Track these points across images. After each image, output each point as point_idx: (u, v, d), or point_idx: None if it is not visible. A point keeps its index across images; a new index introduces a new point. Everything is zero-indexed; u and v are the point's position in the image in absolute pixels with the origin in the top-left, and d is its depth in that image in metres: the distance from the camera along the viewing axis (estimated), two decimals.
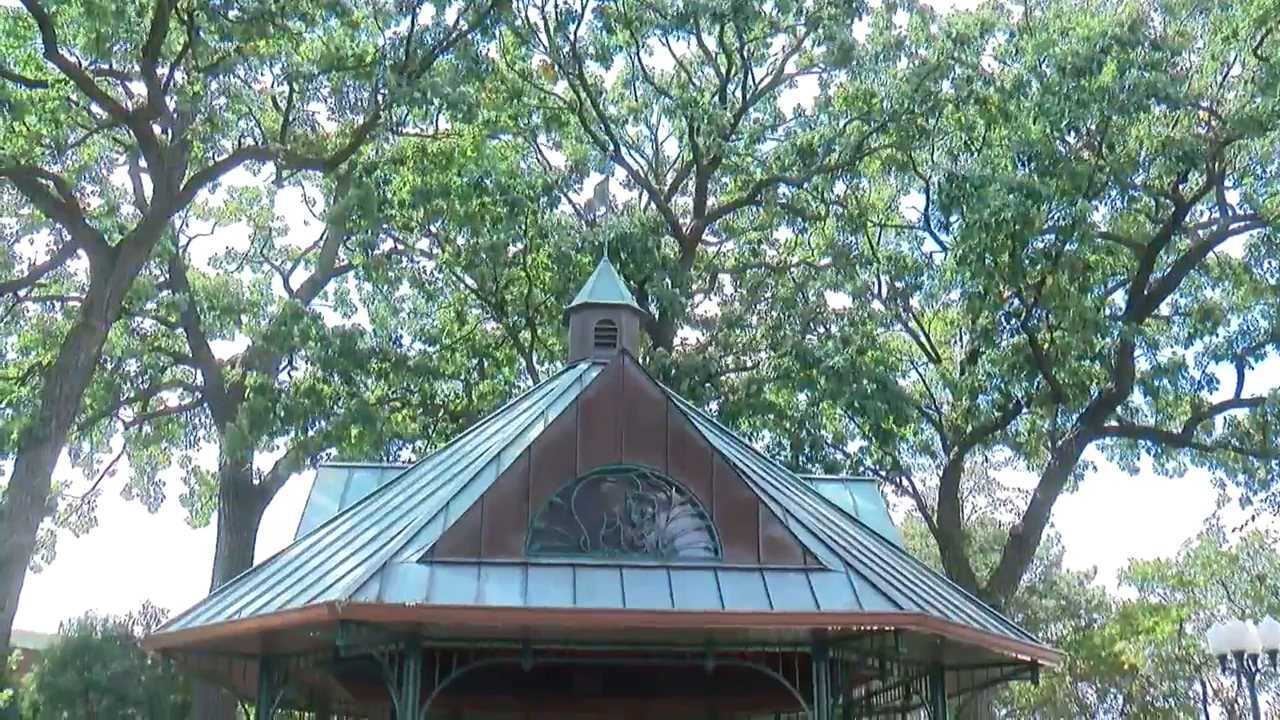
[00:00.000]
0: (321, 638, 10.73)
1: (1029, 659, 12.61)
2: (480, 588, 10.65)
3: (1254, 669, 25.33)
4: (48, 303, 29.19)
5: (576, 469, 11.43)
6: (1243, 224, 25.58)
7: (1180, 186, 24.55)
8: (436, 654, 11.14)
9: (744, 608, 10.48)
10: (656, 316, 22.47)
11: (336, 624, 10.28)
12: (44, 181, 22.77)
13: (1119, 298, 26.41)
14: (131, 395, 30.36)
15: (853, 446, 25.00)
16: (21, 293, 28.16)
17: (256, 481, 26.64)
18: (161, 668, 25.27)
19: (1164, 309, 27.03)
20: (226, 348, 30.20)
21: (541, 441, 11.71)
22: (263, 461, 27.49)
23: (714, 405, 20.09)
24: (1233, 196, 25.33)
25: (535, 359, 23.80)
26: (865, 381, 19.40)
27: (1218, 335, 25.41)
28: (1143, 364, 25.90)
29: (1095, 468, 32.42)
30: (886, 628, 10.66)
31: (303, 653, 12.17)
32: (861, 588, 10.90)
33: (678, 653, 11.37)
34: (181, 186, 22.98)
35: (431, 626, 10.65)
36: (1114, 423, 26.06)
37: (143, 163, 24.62)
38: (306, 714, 16.82)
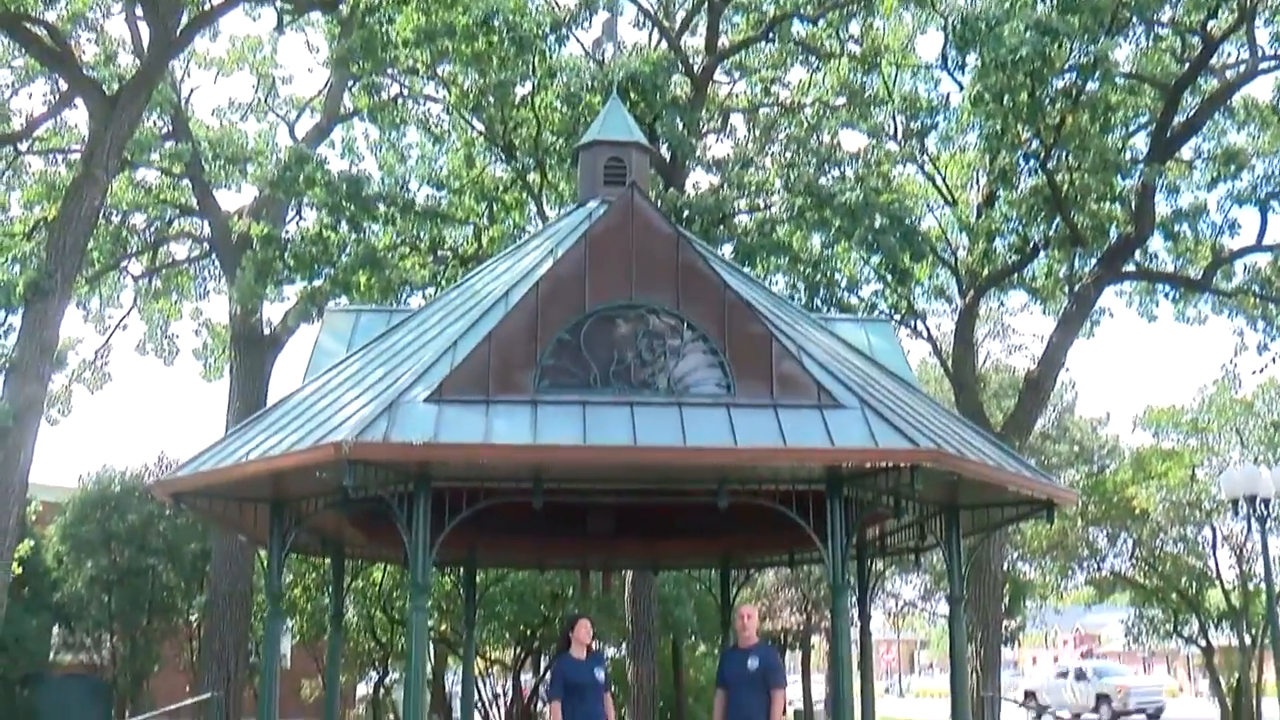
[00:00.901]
0: (329, 479, 10.61)
1: (1045, 498, 12.48)
2: (488, 425, 10.48)
3: (1266, 513, 25.42)
4: (50, 156, 28.74)
5: (585, 305, 11.16)
6: (1272, 64, 24.76)
7: (1209, 24, 23.70)
8: (446, 494, 11.03)
9: (757, 444, 10.29)
10: (668, 158, 21.99)
11: (343, 464, 10.13)
12: (37, 30, 22.13)
13: (1141, 140, 25.77)
14: (138, 248, 30.12)
15: (867, 291, 24.70)
16: (22, 146, 27.70)
17: (267, 331, 26.51)
18: (181, 517, 25.59)
19: (1186, 152, 26.37)
20: (233, 200, 29.86)
21: (549, 278, 11.42)
22: (273, 312, 27.39)
23: (727, 248, 19.72)
24: (1263, 35, 24.42)
25: (545, 202, 23.40)
26: (880, 217, 18.98)
27: (1241, 179, 24.86)
28: (1163, 208, 25.38)
29: (1111, 314, 32.05)
30: (902, 464, 10.48)
31: (312, 495, 12.10)
32: (876, 424, 10.69)
33: (690, 491, 11.23)
34: (179, 31, 22.31)
35: (439, 465, 10.51)
36: (1132, 267, 25.68)
37: (139, 9, 23.91)
38: (321, 559, 16.95)
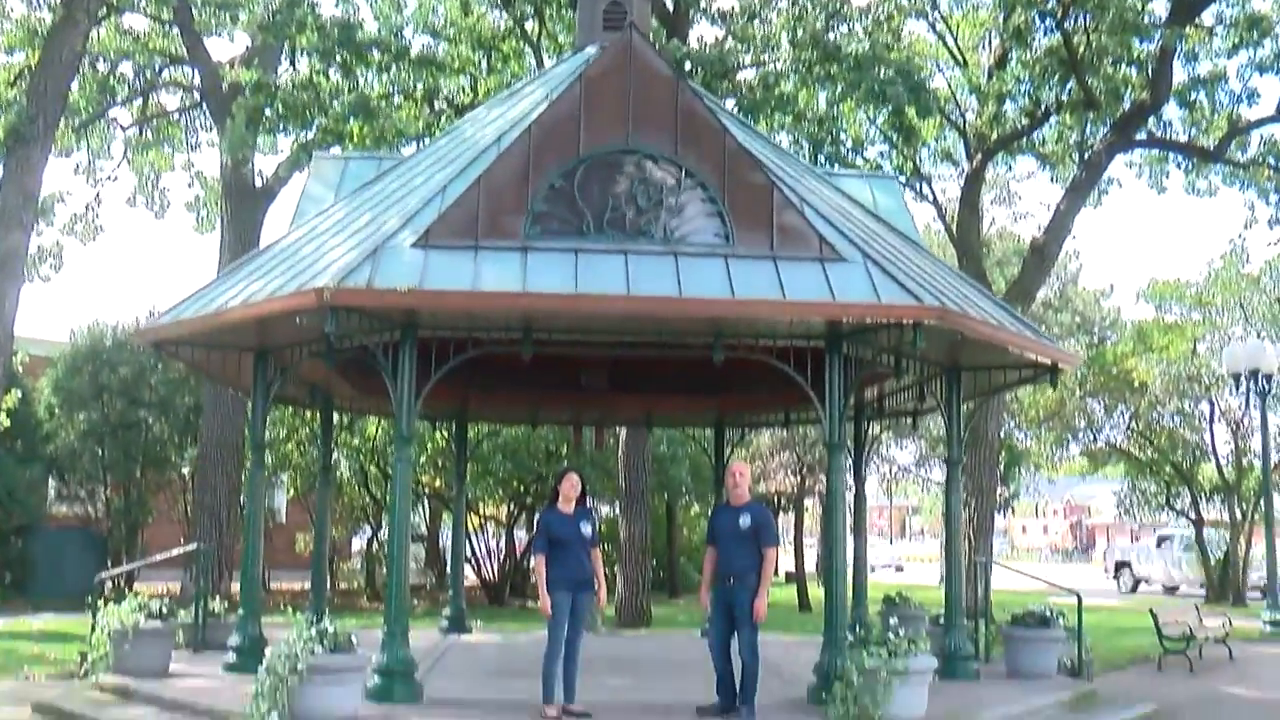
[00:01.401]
0: (313, 327, 10.28)
1: (1049, 361, 12.19)
2: (477, 271, 10.11)
3: (1267, 389, 25.24)
4: (32, 1, 27.82)
5: (580, 150, 10.72)
6: None
7: None
8: (433, 344, 10.72)
9: (756, 296, 9.94)
10: (671, 8, 21.25)
11: (325, 311, 9.81)
12: None
13: (1161, 3, 24.92)
14: (127, 97, 29.35)
15: (873, 152, 24.08)
16: None
17: (259, 183, 25.95)
18: (172, 370, 25.37)
19: (1208, 17, 25.47)
20: (225, 50, 28.98)
21: (543, 121, 10.95)
22: (265, 165, 26.79)
23: (730, 103, 19.10)
24: None
25: (544, 52, 22.68)
26: (887, 70, 18.30)
27: (1263, 47, 24.03)
28: (1180, 75, 24.56)
29: (1120, 184, 31.36)
30: (904, 321, 10.14)
31: (296, 344, 11.81)
32: (880, 279, 10.33)
33: (685, 344, 10.91)
34: None
35: (426, 312, 10.17)
36: (1145, 135, 25.01)
37: None
38: (312, 411, 16.72)
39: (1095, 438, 35.87)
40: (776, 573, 10.03)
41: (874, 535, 71.22)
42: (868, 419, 16.12)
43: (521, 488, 27.05)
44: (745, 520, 9.80)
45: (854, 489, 14.19)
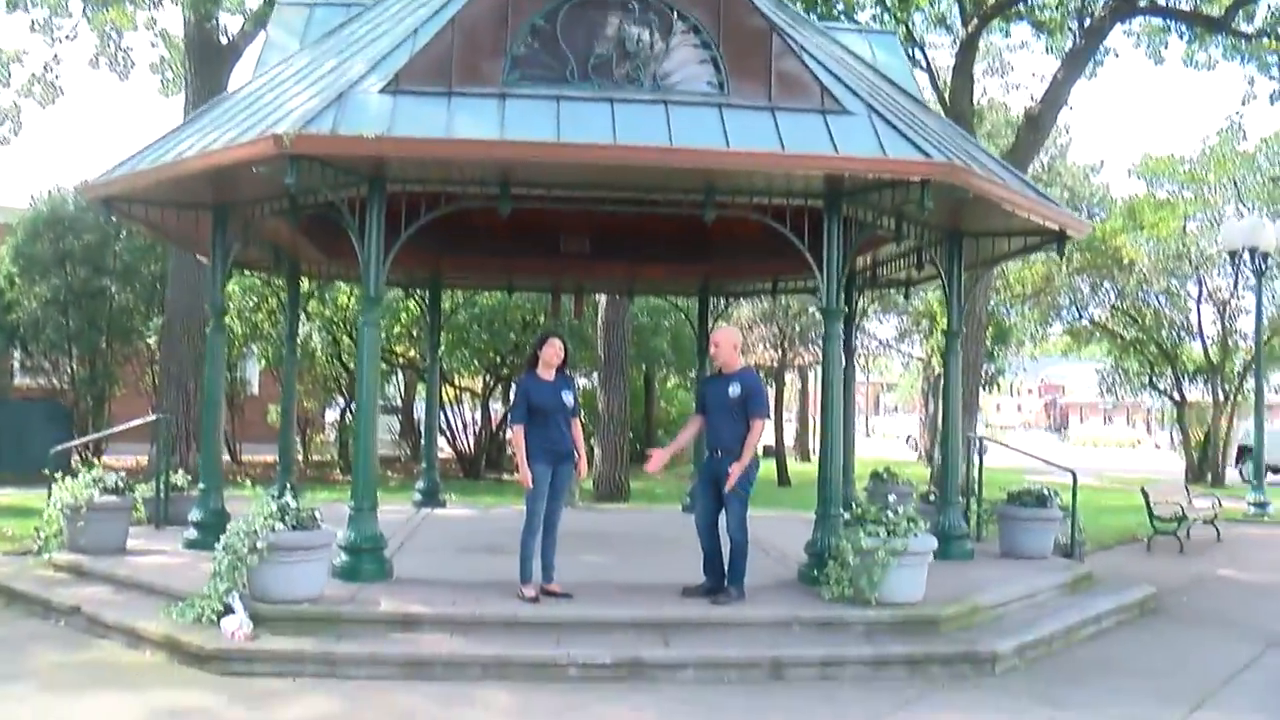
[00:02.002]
0: (273, 181, 9.43)
1: (1057, 227, 11.48)
2: (450, 119, 9.27)
3: (1263, 267, 24.65)
4: None
5: None
6: None
7: None
8: (402, 200, 9.94)
9: (752, 148, 9.14)
10: None
11: (285, 160, 8.98)
12: None
13: None
14: None
15: (865, 16, 23.03)
16: None
17: (224, 40, 24.74)
18: (137, 236, 24.45)
19: None
20: None
21: None
22: (231, 22, 25.53)
23: None
24: None
25: None
26: None
27: None
28: None
29: (1116, 54, 30.33)
30: (912, 178, 9.39)
31: (257, 201, 11.01)
32: (886, 133, 9.55)
33: (674, 202, 10.13)
34: None
35: (394, 163, 9.35)
36: (1147, 2, 24.03)
37: None
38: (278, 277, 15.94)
39: (1080, 315, 35.41)
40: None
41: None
42: (859, 289, 15.45)
43: (498, 358, 26.44)
44: (734, 389, 9.15)
45: (843, 361, 13.52)
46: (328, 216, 10.39)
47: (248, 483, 11.55)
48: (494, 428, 28.72)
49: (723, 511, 9.26)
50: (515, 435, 9.09)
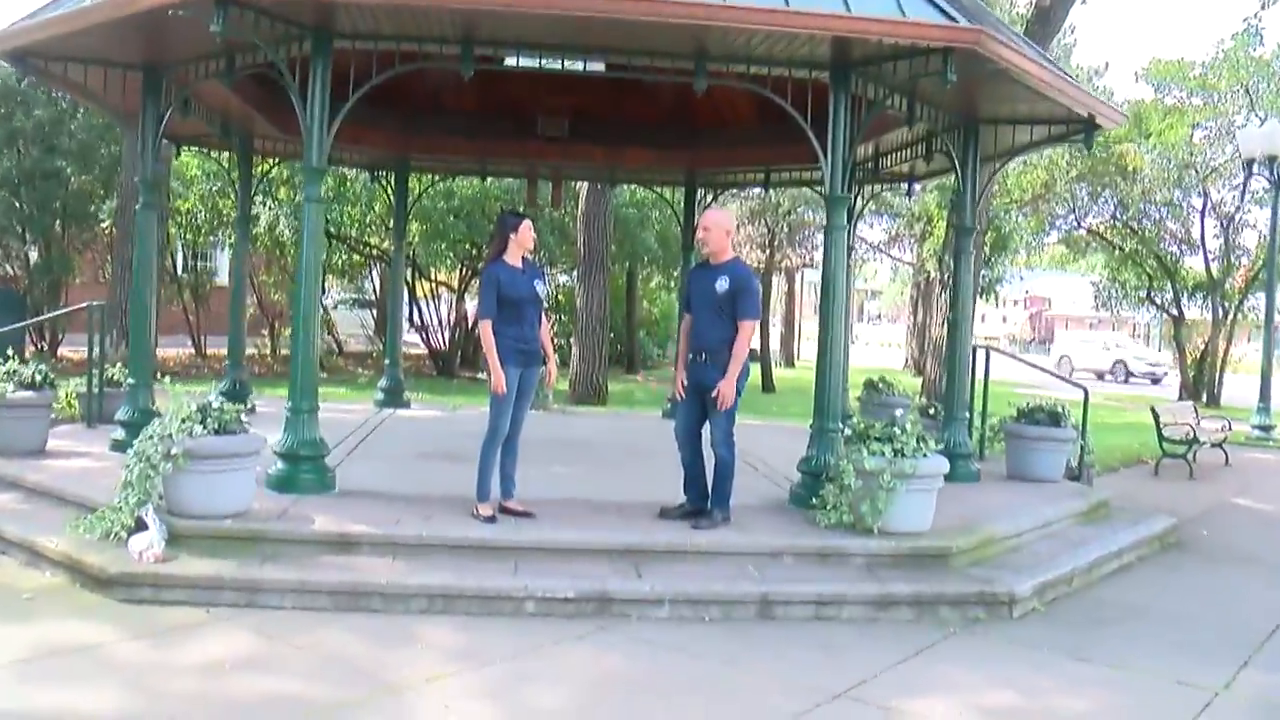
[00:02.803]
0: (206, 36, 8.12)
1: (1086, 114, 10.26)
2: None
3: None
4: None
5: None
6: None
7: None
8: (352, 59, 8.67)
9: (750, 3, 7.83)
10: None
11: (210, 2, 7.70)
12: None
13: None
14: None
15: None
16: None
17: None
18: (93, 115, 23.02)
19: None
20: None
21: None
22: None
23: None
24: None
25: None
26: None
27: None
28: None
29: None
30: (932, 45, 8.15)
31: (190, 60, 9.75)
32: None
33: (660, 69, 8.86)
34: None
35: (339, 11, 8.07)
36: None
37: None
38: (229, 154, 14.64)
39: (1079, 224, 34.21)
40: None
41: None
42: (858, 183, 14.23)
43: (474, 251, 25.22)
44: (723, 283, 7.94)
45: (847, 257, 12.39)
46: (275, 83, 9.12)
47: (166, 378, 10.38)
48: (470, 324, 27.61)
49: (706, 422, 8.16)
50: (485, 331, 7.89)
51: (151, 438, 7.44)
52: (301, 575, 6.96)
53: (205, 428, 7.54)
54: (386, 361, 15.70)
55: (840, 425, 8.91)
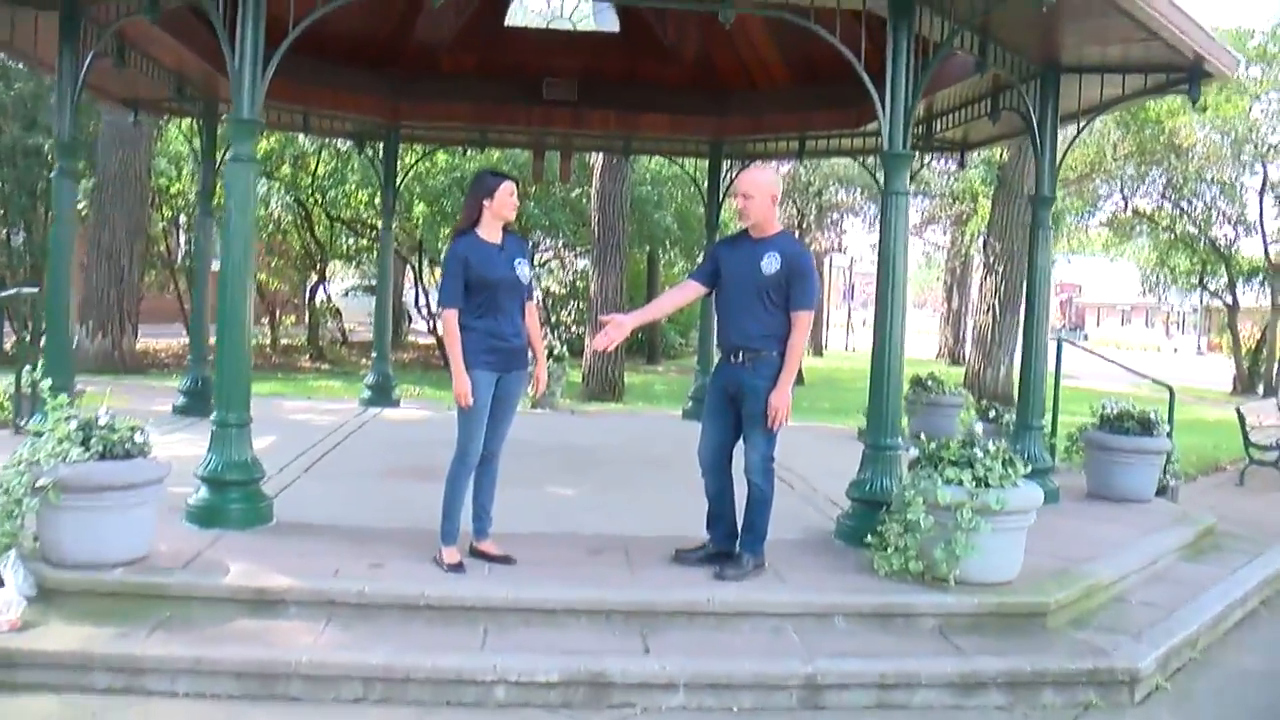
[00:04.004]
0: None
1: (1191, 56, 8.43)
2: None
3: None
4: None
5: None
6: None
7: None
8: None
9: None
10: None
11: None
12: None
13: None
14: None
15: None
16: None
17: None
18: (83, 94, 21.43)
19: None
20: None
21: None
22: None
23: None
24: None
25: None
26: None
27: None
28: None
29: None
30: None
31: None
32: None
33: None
34: None
35: None
36: None
37: None
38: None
39: (1126, 205, 32.23)
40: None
41: (859, 305, 68.12)
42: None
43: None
44: (771, 262, 6.12)
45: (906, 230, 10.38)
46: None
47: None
48: None
49: (739, 442, 6.39)
50: (447, 324, 6.17)
51: (16, 464, 5.75)
52: (198, 650, 5.25)
53: (88, 451, 5.84)
54: (374, 355, 14.00)
55: (901, 442, 7.16)
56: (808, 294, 6.13)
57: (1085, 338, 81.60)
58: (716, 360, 6.59)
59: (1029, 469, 6.48)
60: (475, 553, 6.31)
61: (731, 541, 6.41)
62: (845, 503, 7.37)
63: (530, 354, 6.39)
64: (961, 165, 14.06)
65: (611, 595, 5.84)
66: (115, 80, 10.98)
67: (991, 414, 11.18)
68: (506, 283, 6.13)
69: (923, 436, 6.61)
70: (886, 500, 6.76)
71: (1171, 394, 10.93)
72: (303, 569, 5.99)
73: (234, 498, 6.87)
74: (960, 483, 6.11)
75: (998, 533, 6.10)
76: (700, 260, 6.58)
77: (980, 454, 6.26)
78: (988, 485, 6.11)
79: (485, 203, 6.16)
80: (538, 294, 6.17)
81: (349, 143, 16.22)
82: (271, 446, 10.02)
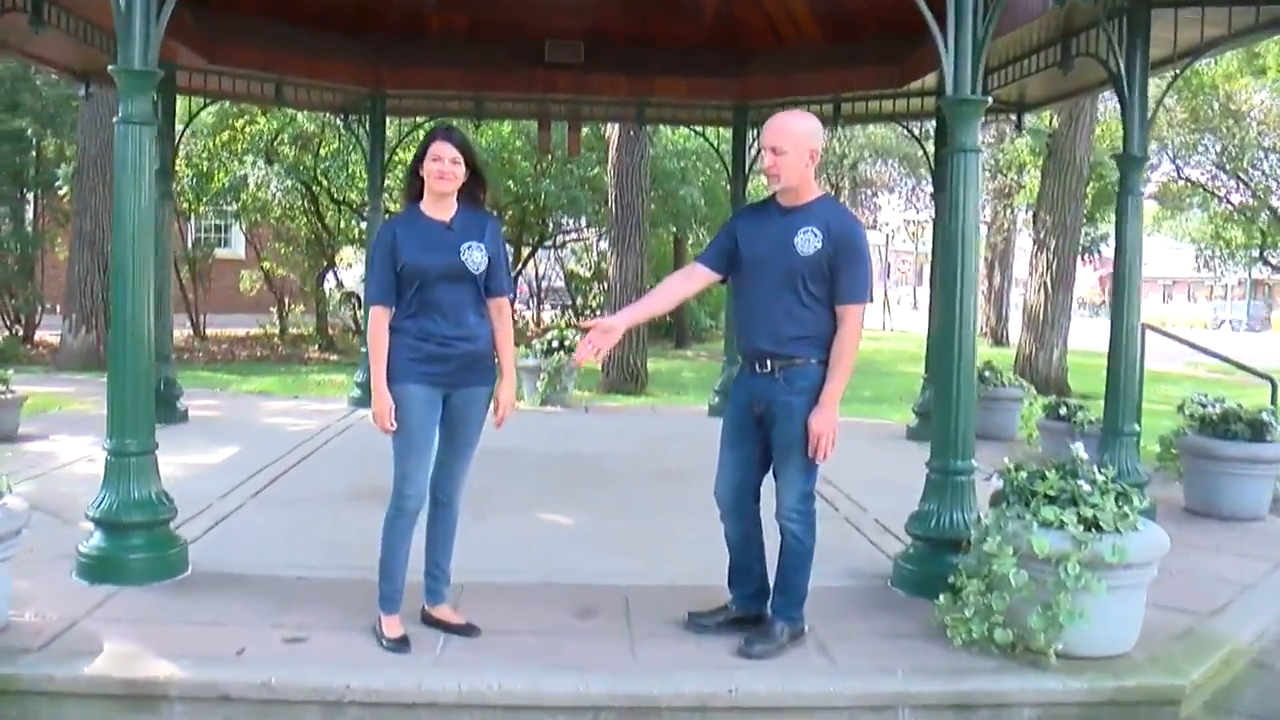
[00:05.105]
0: None
1: None
2: None
3: None
4: None
5: None
6: None
7: None
8: None
9: None
10: None
11: None
12: None
13: None
14: None
15: None
16: None
17: None
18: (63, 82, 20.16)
19: None
20: None
21: None
22: None
23: None
24: None
25: None
26: None
27: None
28: None
29: None
30: None
31: None
32: None
33: None
34: None
35: None
36: None
37: None
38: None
39: (1179, 174, 30.46)
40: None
41: (894, 284, 66.28)
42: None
43: (495, 214, 22.10)
44: (810, 238, 4.58)
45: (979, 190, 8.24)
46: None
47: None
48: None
49: (768, 475, 4.91)
50: (371, 324, 4.75)
51: None
52: None
53: None
54: (363, 349, 12.59)
55: (975, 464, 5.67)
56: (860, 281, 4.61)
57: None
58: (737, 369, 5.08)
59: (1146, 502, 4.98)
60: (428, 619, 4.88)
61: (759, 603, 4.95)
62: (901, 530, 5.91)
63: (496, 366, 4.91)
64: (1019, 128, 12.46)
65: (600, 687, 4.36)
66: (53, 45, 9.60)
67: (1063, 411, 9.68)
68: (448, 271, 4.64)
69: (1006, 460, 5.11)
70: (958, 539, 5.29)
71: (1275, 387, 9.37)
72: (200, 646, 4.58)
73: (135, 544, 5.47)
74: (1062, 525, 4.63)
75: (1113, 591, 4.61)
76: (719, 233, 4.99)
77: (1086, 486, 4.77)
78: (1099, 529, 4.62)
79: (420, 169, 4.70)
80: (511, 287, 4.76)
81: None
82: (228, 462, 8.73)
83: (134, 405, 5.51)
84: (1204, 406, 8.26)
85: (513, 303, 5.12)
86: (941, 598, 4.95)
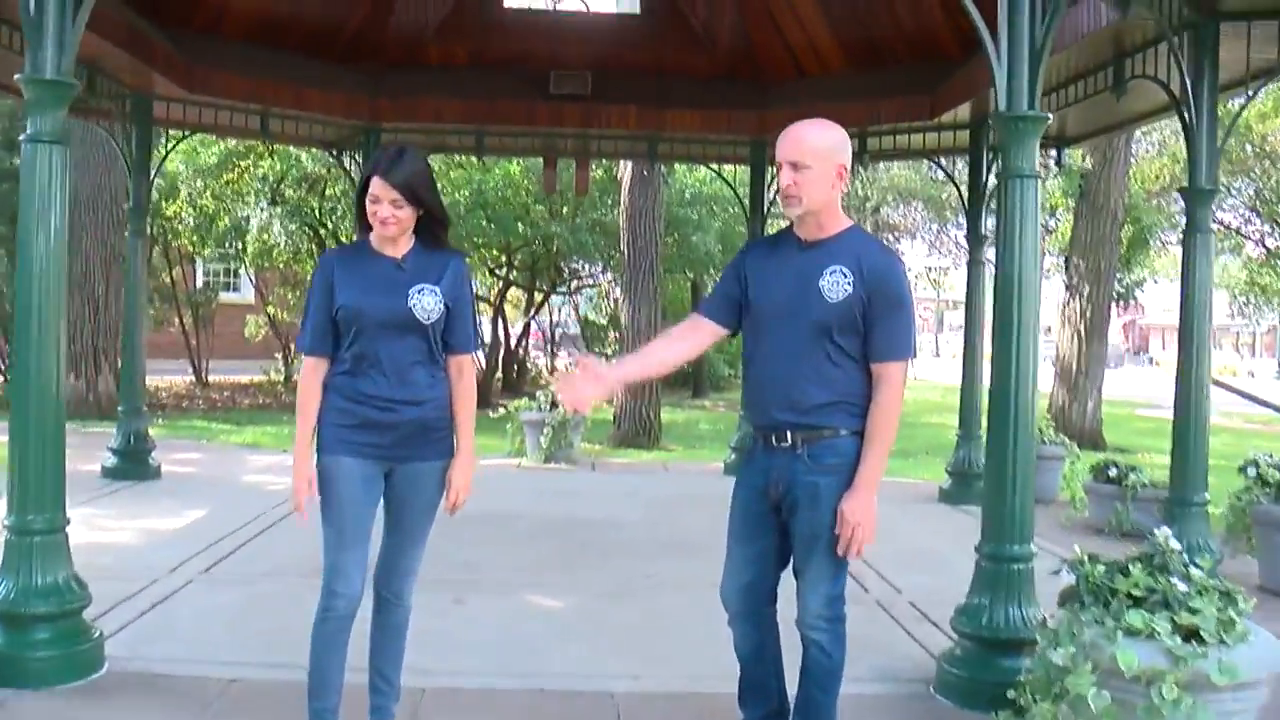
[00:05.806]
0: None
1: None
2: None
3: None
4: None
5: None
6: None
7: None
8: None
9: None
10: None
11: None
12: None
13: None
14: None
15: None
16: None
17: None
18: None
19: None
20: None
21: None
22: None
23: None
24: None
25: None
26: None
27: None
28: None
29: None
30: None
31: None
32: None
33: None
34: None
35: None
36: None
37: None
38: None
39: (1214, 217, 29.57)
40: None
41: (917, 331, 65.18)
42: (992, 148, 10.02)
43: (503, 257, 21.39)
44: (839, 280, 3.68)
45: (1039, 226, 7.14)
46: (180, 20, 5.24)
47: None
48: (510, 345, 23.80)
49: (788, 573, 3.95)
50: (301, 378, 3.89)
51: None
52: None
53: None
54: None
55: (1035, 550, 4.77)
56: (903, 333, 3.70)
57: (1151, 362, 78.11)
58: (748, 444, 4.13)
59: (1250, 602, 4.07)
60: None
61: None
62: (942, 618, 5.02)
63: (453, 438, 4.00)
64: (1059, 164, 11.64)
65: None
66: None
67: (1112, 473, 8.76)
68: (393, 318, 3.77)
69: (1077, 549, 4.21)
70: (1017, 641, 4.40)
71: None
72: None
73: (38, 640, 4.61)
74: (1153, 635, 3.73)
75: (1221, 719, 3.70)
76: (723, 274, 4.05)
77: (1176, 584, 3.87)
78: (1200, 639, 3.72)
79: (364, 198, 3.86)
80: (475, 342, 3.85)
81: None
82: (189, 528, 7.91)
83: (39, 475, 4.69)
84: (1277, 469, 7.36)
85: (497, 355, 4.27)
86: (1000, 716, 4.04)
